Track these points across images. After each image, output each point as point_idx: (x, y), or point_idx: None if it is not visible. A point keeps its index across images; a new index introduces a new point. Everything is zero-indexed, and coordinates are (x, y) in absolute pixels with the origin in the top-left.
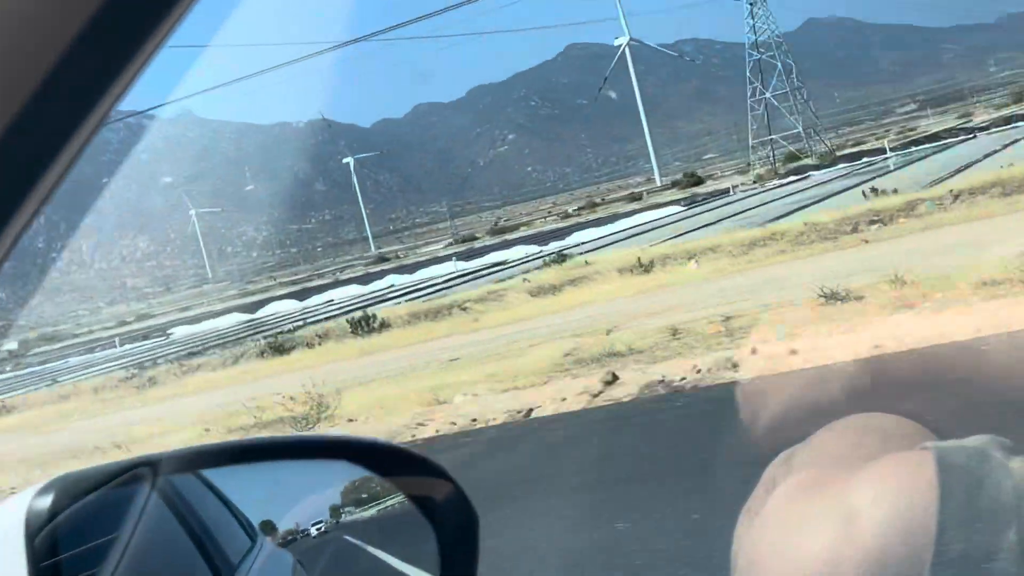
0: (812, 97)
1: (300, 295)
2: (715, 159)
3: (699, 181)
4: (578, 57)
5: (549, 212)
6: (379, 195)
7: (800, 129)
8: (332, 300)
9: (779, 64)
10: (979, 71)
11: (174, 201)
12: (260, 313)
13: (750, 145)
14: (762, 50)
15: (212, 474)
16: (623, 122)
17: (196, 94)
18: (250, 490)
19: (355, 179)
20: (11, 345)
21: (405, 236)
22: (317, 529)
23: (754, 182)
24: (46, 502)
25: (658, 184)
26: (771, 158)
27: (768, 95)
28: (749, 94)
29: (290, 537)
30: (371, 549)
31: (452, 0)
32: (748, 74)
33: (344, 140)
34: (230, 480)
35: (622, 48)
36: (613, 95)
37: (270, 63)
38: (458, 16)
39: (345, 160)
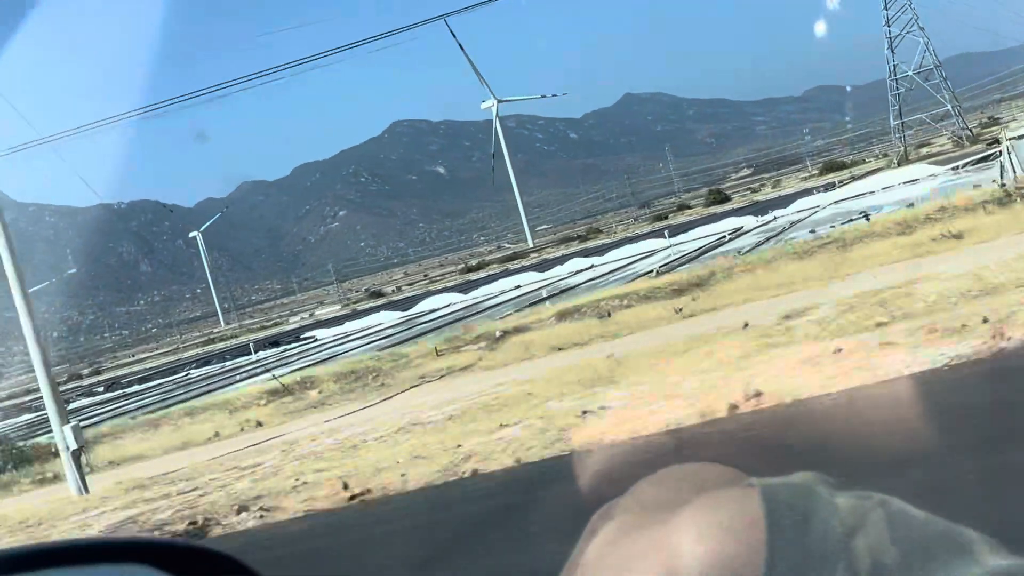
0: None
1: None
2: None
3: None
4: (404, 133)
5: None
6: (207, 276)
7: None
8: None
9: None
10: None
11: None
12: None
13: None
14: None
15: None
16: (451, 197)
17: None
18: None
19: (203, 252)
20: None
21: (248, 313)
22: None
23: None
24: None
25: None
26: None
27: None
28: None
29: None
30: None
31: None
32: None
33: (168, 220)
34: None
35: (493, 110)
36: (441, 170)
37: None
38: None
39: (192, 234)
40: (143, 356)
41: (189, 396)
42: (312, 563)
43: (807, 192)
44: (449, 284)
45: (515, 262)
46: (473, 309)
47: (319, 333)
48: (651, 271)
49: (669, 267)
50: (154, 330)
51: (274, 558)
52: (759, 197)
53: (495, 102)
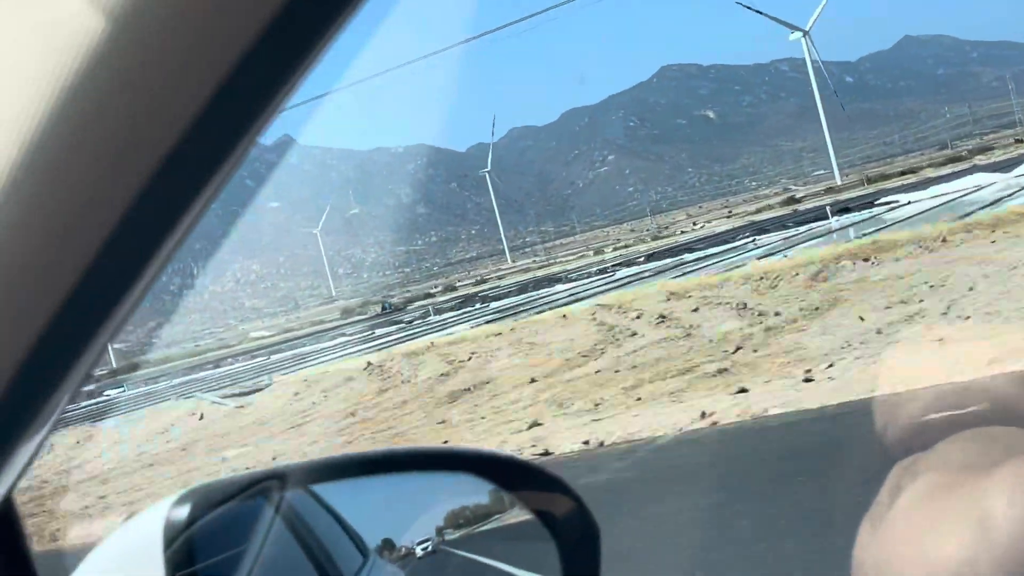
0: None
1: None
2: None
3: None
4: (673, 77)
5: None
6: (481, 217)
7: None
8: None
9: None
10: None
11: (281, 224)
12: None
13: None
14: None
15: (323, 488)
16: (720, 142)
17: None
18: (362, 503)
19: (492, 190)
20: (261, 332)
21: (521, 254)
22: (424, 549)
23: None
24: (183, 512)
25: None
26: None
27: None
28: None
29: (403, 553)
30: (487, 561)
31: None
32: None
33: (443, 164)
34: (341, 493)
35: (803, 40)
36: (711, 115)
37: (364, 87)
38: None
39: (482, 171)
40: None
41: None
42: None
43: None
44: (770, 216)
45: (842, 194)
46: None
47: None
48: None
49: None
50: (435, 268)
51: None
52: None
53: (802, 35)
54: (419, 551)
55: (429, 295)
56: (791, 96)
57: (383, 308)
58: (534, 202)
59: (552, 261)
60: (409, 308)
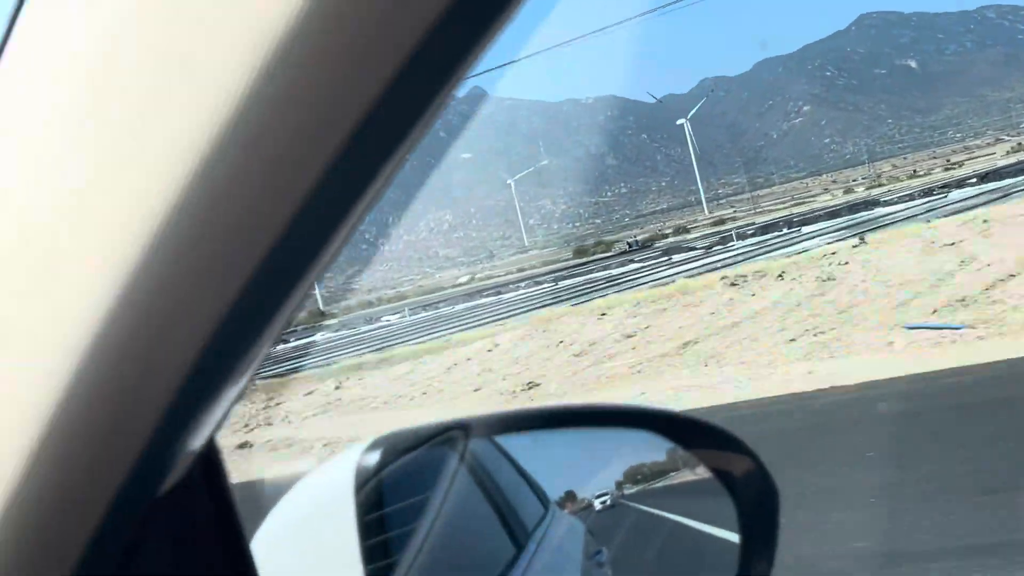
0: None
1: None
2: None
3: None
4: (872, 25)
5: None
6: (671, 169)
7: None
8: None
9: None
10: None
11: (472, 175)
12: None
13: None
14: None
15: (505, 440)
16: (922, 92)
17: (488, 71)
18: (542, 456)
19: (690, 141)
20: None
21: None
22: (602, 503)
23: None
24: (373, 458)
25: None
26: None
27: None
28: None
29: (583, 505)
30: (665, 514)
31: None
32: None
33: (632, 115)
34: (523, 446)
35: None
36: (912, 64)
37: (557, 40)
38: None
39: (680, 121)
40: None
41: None
42: None
43: None
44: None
45: None
46: None
47: None
48: None
49: None
50: (626, 220)
51: None
52: None
53: None
54: (598, 504)
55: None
56: (998, 44)
57: (629, 246)
58: (725, 154)
59: (757, 210)
60: (656, 245)
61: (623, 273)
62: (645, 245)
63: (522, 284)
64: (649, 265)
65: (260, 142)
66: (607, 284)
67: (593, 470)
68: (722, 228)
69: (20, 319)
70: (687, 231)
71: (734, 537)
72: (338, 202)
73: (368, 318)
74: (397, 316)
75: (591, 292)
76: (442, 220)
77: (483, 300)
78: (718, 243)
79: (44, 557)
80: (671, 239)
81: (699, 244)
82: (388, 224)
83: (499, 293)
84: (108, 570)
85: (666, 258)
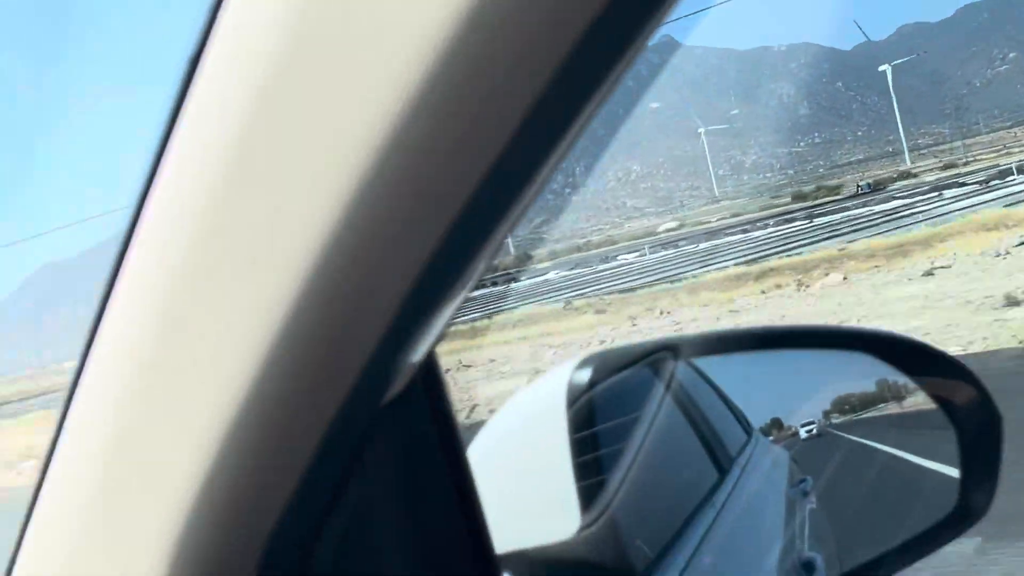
0: None
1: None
2: None
3: None
4: None
5: None
6: (867, 118)
7: None
8: None
9: None
10: None
11: (660, 125)
12: None
13: None
14: None
15: (710, 362)
16: None
17: (678, 19)
18: (748, 380)
19: (892, 89)
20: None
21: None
22: (808, 432)
23: None
24: (584, 375)
25: None
26: None
27: None
28: None
29: (789, 433)
30: (877, 445)
31: None
32: None
33: (827, 63)
34: (728, 368)
35: None
36: None
37: None
38: None
39: (881, 68)
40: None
41: None
42: None
43: None
44: None
45: None
46: None
47: None
48: None
49: None
50: (820, 170)
51: None
52: None
53: None
54: (803, 433)
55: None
56: None
57: (859, 188)
58: (925, 103)
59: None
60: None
61: (892, 209)
62: (876, 188)
63: (746, 226)
64: (916, 202)
65: (462, 95)
66: (871, 222)
67: (800, 396)
68: (951, 173)
69: (248, 230)
70: (912, 176)
71: (951, 471)
72: (537, 147)
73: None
74: (635, 255)
75: (860, 229)
76: (630, 170)
77: (728, 238)
78: (995, 177)
79: (269, 469)
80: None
81: (969, 180)
82: (576, 174)
83: (745, 231)
84: (332, 479)
85: (936, 194)
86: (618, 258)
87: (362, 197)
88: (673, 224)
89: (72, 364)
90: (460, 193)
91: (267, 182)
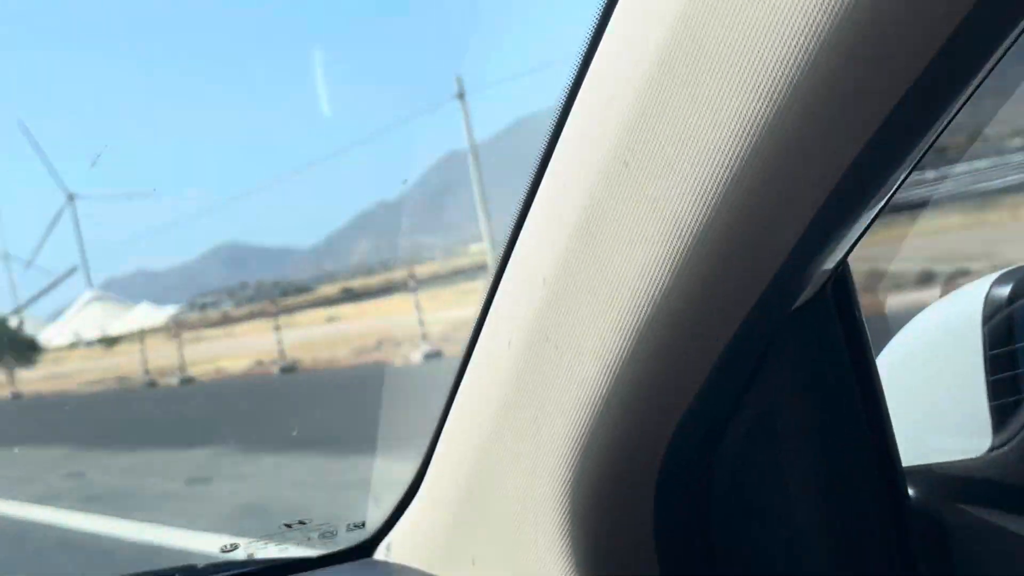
0: None
1: None
2: None
3: None
4: None
5: None
6: None
7: None
8: None
9: None
10: None
11: None
12: None
13: None
14: None
15: None
16: None
17: None
18: None
19: None
20: None
21: None
22: None
23: None
24: (1004, 291)
25: None
26: None
27: None
28: None
29: None
30: None
31: None
32: None
33: None
34: None
35: None
36: None
37: None
38: None
39: None
40: None
41: None
42: None
43: None
44: None
45: None
46: None
47: None
48: None
49: None
50: None
51: None
52: None
53: None
54: None
55: None
56: None
57: None
58: None
59: None
60: None
61: None
62: None
63: None
64: None
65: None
66: None
67: None
68: None
69: (663, 144)
70: None
71: None
72: (944, 92)
73: None
74: None
75: None
76: None
77: None
78: None
79: (678, 365)
80: None
81: None
82: None
83: None
84: (739, 379)
85: None
86: None
87: (790, 103)
88: None
89: (477, 247)
90: (884, 105)
91: (685, 95)
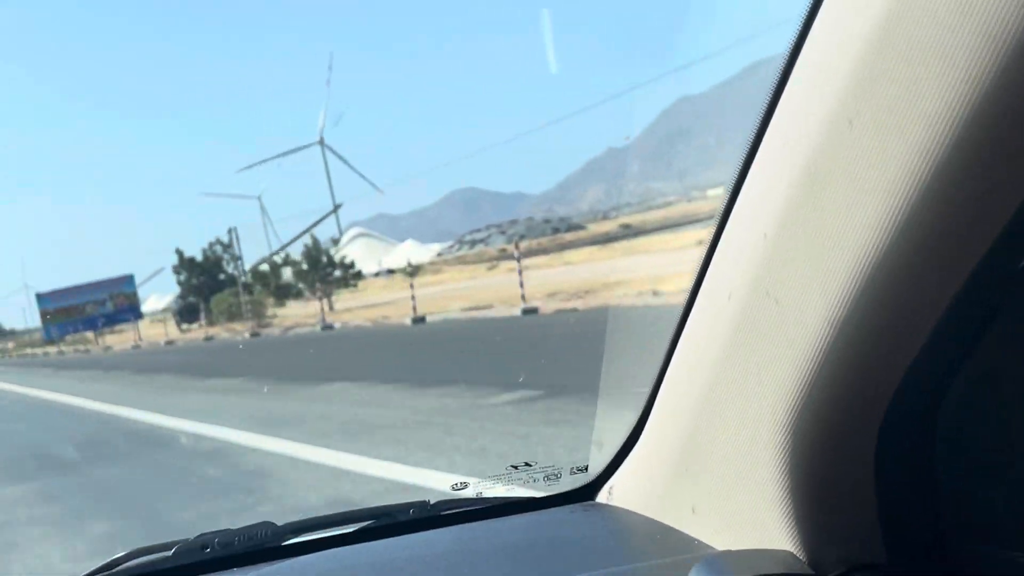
0: None
1: None
2: None
3: None
4: None
5: None
6: None
7: None
8: None
9: None
10: None
11: None
12: None
13: None
14: None
15: None
16: None
17: None
18: None
19: None
20: None
21: None
22: None
23: None
24: None
25: None
26: None
27: None
28: None
29: None
30: None
31: None
32: None
33: None
34: None
35: None
36: None
37: None
38: None
39: None
40: None
41: None
42: None
43: None
44: None
45: None
46: None
47: None
48: None
49: None
50: None
51: None
52: None
53: None
54: None
55: None
56: None
57: None
58: None
59: None
60: None
61: None
62: None
63: None
64: None
65: None
66: None
67: None
68: None
69: (877, 112)
70: None
71: None
72: None
73: None
74: None
75: None
76: None
77: None
78: None
79: (902, 320)
80: None
81: None
82: None
83: None
84: (964, 335)
85: None
86: None
87: (1020, 63)
88: None
89: (714, 191)
90: None
91: (913, 56)
